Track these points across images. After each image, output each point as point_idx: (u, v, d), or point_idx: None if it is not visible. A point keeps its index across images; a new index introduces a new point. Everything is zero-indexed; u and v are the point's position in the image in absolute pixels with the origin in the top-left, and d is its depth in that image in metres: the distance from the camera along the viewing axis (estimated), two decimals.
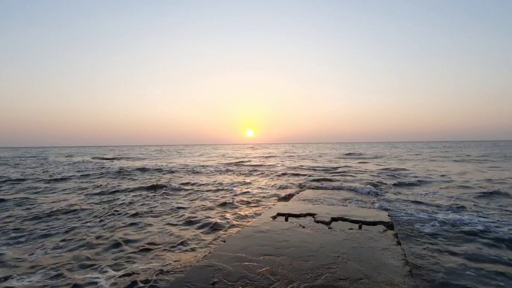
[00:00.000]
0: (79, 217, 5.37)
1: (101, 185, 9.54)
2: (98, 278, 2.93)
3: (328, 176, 11.52)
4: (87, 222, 4.99)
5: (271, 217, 4.17)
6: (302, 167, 15.85)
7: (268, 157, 26.64)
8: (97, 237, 4.18)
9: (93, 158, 29.15)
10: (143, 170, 14.82)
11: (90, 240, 4.02)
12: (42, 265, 3.26)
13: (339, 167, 15.48)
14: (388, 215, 4.31)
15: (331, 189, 8.05)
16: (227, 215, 5.40)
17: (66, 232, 4.46)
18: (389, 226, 3.74)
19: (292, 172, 13.29)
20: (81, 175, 12.63)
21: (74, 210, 5.85)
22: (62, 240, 4.07)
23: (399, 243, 3.08)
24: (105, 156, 32.68)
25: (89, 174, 13.00)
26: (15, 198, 7.11)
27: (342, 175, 11.73)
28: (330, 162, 20.23)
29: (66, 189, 8.89)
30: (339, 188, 8.16)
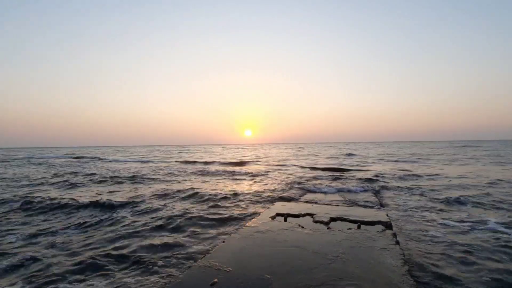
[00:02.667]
0: None
1: None
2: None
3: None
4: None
5: (270, 217, 4.17)
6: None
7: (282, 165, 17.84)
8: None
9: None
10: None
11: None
12: None
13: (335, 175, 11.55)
14: (387, 215, 4.33)
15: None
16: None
17: None
18: (387, 226, 3.76)
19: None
20: None
21: None
22: None
23: (397, 243, 3.09)
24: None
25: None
26: None
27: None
28: (329, 160, 19.57)
29: None
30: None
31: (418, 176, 10.85)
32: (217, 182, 10.24)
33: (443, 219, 4.84)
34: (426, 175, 10.90)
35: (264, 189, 8.21)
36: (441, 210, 5.54)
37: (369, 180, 9.61)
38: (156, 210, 5.68)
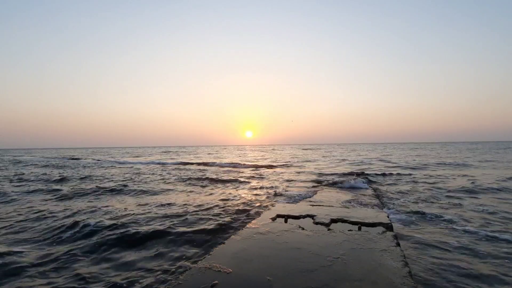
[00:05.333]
0: None
1: None
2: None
3: None
4: None
5: (271, 218, 4.17)
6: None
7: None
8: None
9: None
10: None
11: None
12: None
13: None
14: (387, 216, 4.31)
15: None
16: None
17: None
18: (388, 227, 3.75)
19: None
20: None
21: None
22: None
23: (398, 244, 3.08)
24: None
25: None
26: None
27: None
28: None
29: None
30: None
31: None
32: None
33: None
34: None
35: None
36: None
37: None
38: None
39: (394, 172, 12.72)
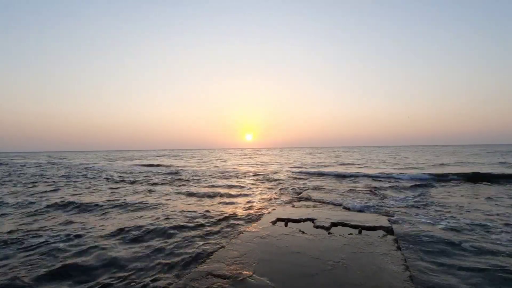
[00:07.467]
0: None
1: None
2: None
3: None
4: None
5: (271, 222, 4.16)
6: None
7: None
8: None
9: None
10: None
11: None
12: None
13: None
14: (388, 220, 4.30)
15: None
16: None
17: None
18: (388, 231, 3.74)
19: None
20: None
21: None
22: None
23: (399, 248, 3.07)
24: None
25: None
26: None
27: None
28: None
29: None
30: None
31: None
32: None
33: None
34: None
35: None
36: None
37: None
38: None
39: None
